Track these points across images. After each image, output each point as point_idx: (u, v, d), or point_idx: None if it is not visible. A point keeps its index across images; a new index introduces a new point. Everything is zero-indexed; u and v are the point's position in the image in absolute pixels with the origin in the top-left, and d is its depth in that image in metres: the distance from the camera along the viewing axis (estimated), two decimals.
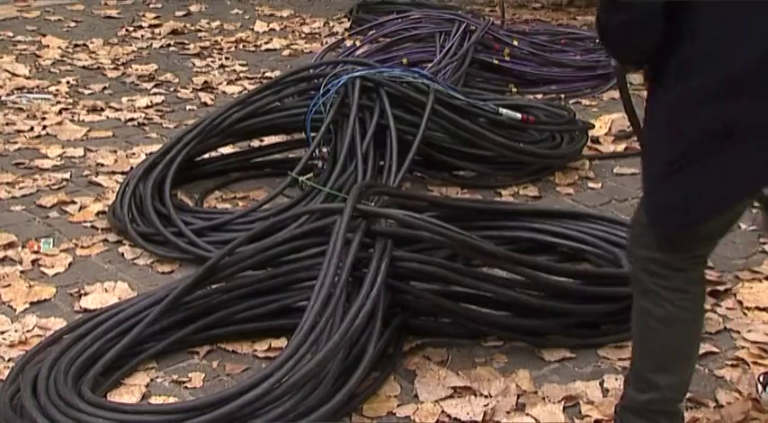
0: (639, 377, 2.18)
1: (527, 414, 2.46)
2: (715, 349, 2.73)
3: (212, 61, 5.75)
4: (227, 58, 5.81)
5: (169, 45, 6.11)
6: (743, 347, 2.74)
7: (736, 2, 1.87)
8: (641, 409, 2.18)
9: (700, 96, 1.91)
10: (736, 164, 1.92)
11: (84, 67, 5.63)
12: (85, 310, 2.95)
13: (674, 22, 1.90)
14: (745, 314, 2.91)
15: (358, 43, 5.59)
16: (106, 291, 3.08)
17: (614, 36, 1.99)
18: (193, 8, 6.98)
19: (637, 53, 2.01)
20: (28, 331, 2.86)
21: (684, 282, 2.10)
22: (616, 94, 4.95)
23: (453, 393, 2.53)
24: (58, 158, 4.20)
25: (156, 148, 4.03)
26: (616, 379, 2.59)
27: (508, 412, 2.46)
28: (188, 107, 4.94)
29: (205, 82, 5.29)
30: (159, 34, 6.34)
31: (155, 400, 2.54)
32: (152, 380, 2.63)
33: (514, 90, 5.02)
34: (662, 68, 1.96)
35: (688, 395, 2.51)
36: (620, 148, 4.30)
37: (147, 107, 4.91)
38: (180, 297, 2.69)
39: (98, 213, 3.65)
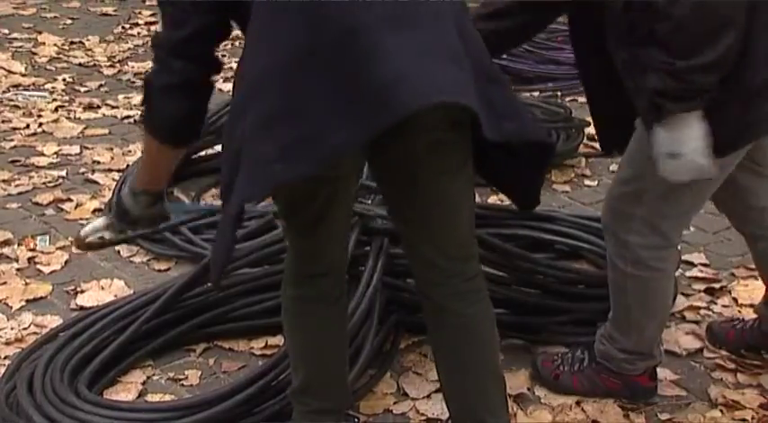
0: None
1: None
2: (710, 346, 2.73)
3: None
4: (223, 56, 5.78)
5: None
6: None
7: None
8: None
9: None
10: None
11: (80, 64, 5.62)
12: (82, 308, 2.95)
13: None
14: (740, 312, 2.91)
15: None
16: (102, 288, 3.08)
17: None
18: None
19: None
20: (24, 329, 2.86)
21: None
22: None
23: (437, 390, 2.51)
24: (54, 156, 4.20)
25: None
26: None
27: None
28: None
29: None
30: (155, 32, 6.32)
31: (151, 397, 2.55)
32: (148, 377, 2.63)
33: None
34: None
35: (683, 393, 2.53)
36: None
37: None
38: (177, 295, 2.69)
39: (94, 211, 3.64)
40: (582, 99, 4.95)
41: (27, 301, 3.02)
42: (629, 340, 2.42)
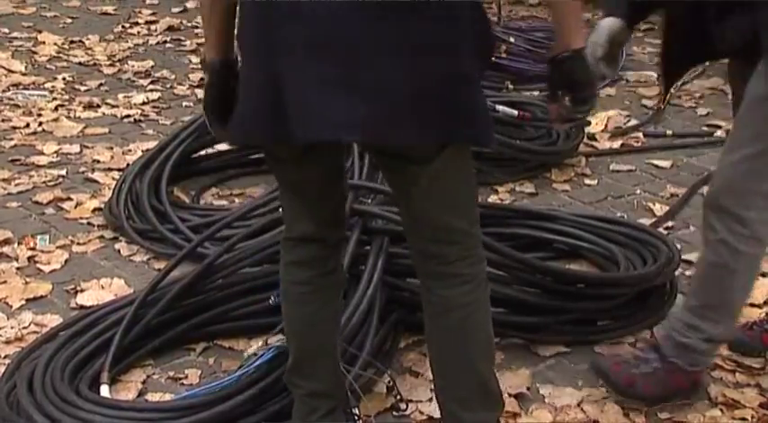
0: None
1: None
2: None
3: None
4: None
5: (165, 41, 6.10)
6: None
7: None
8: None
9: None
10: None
11: (80, 63, 5.62)
12: (81, 307, 2.95)
13: None
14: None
15: None
16: (102, 287, 3.08)
17: None
18: (190, 4, 6.96)
19: None
20: (24, 328, 2.86)
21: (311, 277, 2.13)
22: (612, 90, 4.96)
23: None
24: (54, 155, 4.20)
25: (152, 144, 4.03)
26: None
27: None
28: (184, 104, 4.94)
29: (201, 78, 5.27)
30: (155, 31, 6.33)
31: (151, 396, 2.55)
32: (148, 376, 2.63)
33: (511, 87, 5.01)
34: None
35: None
36: (616, 144, 4.31)
37: (144, 104, 4.90)
38: (178, 294, 2.69)
39: (94, 210, 3.64)
40: None
41: (27, 300, 3.02)
42: (718, 327, 2.34)
